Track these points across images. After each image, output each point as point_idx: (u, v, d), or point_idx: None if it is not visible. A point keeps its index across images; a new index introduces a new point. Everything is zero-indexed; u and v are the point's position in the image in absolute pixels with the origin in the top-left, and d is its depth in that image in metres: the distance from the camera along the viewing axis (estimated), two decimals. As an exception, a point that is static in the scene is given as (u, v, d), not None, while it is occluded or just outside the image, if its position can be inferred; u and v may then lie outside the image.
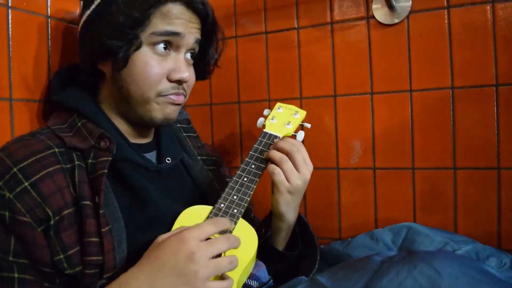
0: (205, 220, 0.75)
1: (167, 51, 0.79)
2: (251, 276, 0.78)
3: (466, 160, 1.00)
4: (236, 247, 0.68)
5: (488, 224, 0.98)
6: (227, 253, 0.70)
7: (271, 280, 0.82)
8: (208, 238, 0.67)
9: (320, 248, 1.01)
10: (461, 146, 1.00)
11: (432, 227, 0.94)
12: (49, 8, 0.94)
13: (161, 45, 0.78)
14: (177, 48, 0.80)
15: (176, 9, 0.77)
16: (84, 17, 0.81)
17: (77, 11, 1.01)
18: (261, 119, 0.92)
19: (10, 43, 0.86)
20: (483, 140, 0.98)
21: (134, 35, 0.75)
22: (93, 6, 0.79)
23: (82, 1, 0.85)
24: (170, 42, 0.78)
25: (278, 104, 0.95)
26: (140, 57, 0.77)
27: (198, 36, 0.83)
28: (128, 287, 0.63)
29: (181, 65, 0.80)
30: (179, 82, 0.80)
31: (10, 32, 0.86)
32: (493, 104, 0.97)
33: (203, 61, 0.90)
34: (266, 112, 0.94)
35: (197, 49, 0.85)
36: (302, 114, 0.93)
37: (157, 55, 0.78)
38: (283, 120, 0.91)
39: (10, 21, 0.86)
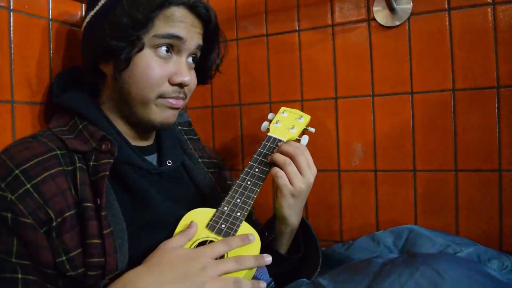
0: (210, 224, 0.75)
1: (169, 54, 0.79)
2: (252, 278, 0.78)
3: (468, 162, 0.99)
4: (244, 269, 0.69)
5: (490, 226, 0.98)
6: (231, 254, 0.71)
7: (272, 282, 0.81)
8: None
9: (321, 250, 1.01)
10: (462, 148, 1.00)
11: (434, 230, 0.94)
12: (50, 11, 0.94)
13: (163, 48, 0.78)
14: (178, 51, 0.80)
15: (180, 13, 0.78)
16: (88, 18, 0.81)
17: (79, 14, 1.02)
18: (265, 123, 0.92)
19: (12, 45, 0.86)
20: (485, 142, 0.98)
21: (137, 36, 0.75)
22: (97, 8, 0.79)
23: (85, 3, 0.85)
24: (172, 45, 0.79)
25: (283, 108, 0.95)
26: (142, 59, 0.77)
27: (200, 42, 0.83)
28: (135, 286, 0.64)
29: (182, 68, 0.80)
30: (180, 85, 0.81)
31: (12, 35, 0.86)
32: (494, 106, 0.97)
33: (204, 66, 0.90)
34: (270, 116, 0.94)
35: (198, 54, 0.86)
36: (306, 118, 0.93)
37: (159, 57, 0.78)
38: (287, 124, 0.91)
39: (12, 23, 0.86)
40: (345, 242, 1.04)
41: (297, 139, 0.90)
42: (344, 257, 0.97)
